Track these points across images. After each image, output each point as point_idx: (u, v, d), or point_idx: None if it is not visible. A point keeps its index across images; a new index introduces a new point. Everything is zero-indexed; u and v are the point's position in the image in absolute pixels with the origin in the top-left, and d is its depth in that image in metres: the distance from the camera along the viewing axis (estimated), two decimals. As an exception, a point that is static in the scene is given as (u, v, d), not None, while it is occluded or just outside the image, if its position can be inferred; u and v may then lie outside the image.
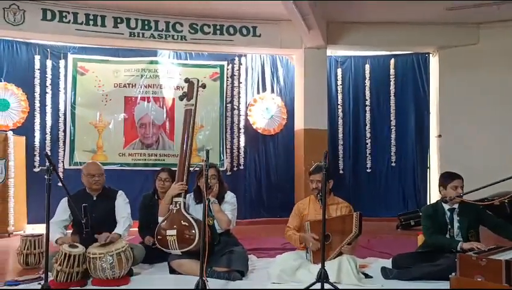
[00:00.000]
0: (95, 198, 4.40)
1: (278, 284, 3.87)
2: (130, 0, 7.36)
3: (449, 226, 4.11)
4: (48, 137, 7.95)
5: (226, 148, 8.59)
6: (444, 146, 8.47)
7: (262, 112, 8.76)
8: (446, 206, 4.16)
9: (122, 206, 4.40)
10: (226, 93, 8.64)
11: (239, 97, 8.70)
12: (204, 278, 3.42)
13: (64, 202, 4.33)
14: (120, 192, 4.51)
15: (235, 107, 8.68)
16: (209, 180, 4.13)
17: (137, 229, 5.10)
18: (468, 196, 4.09)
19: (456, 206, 4.12)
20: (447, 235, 4.11)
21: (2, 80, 7.75)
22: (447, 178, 4.22)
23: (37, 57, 7.96)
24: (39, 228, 6.66)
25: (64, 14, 7.42)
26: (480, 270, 3.44)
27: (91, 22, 7.56)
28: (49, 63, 8.01)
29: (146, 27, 7.80)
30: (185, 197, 4.39)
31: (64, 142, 8.04)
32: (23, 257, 4.65)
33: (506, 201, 6.02)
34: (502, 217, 4.30)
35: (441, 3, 7.47)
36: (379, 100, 9.05)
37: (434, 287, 3.78)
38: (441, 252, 4.07)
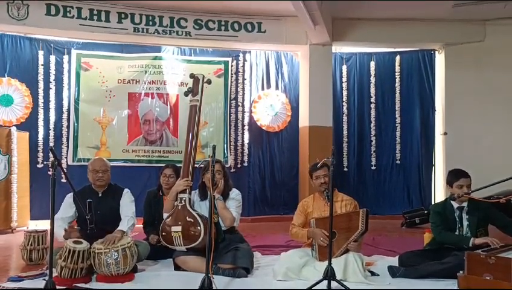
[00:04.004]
0: (100, 195, 4.37)
1: (284, 282, 3.84)
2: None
3: (458, 225, 4.07)
4: (52, 133, 7.94)
5: (230, 145, 8.56)
6: (450, 144, 8.44)
7: (267, 109, 8.72)
8: (455, 204, 4.11)
9: (128, 204, 4.37)
10: (230, 89, 8.60)
11: (243, 94, 8.65)
12: (210, 275, 3.39)
13: (69, 198, 4.31)
14: (126, 190, 4.48)
15: (240, 103, 8.64)
16: (214, 176, 4.10)
17: (141, 225, 5.07)
18: (473, 194, 4.05)
19: (465, 204, 4.08)
20: (456, 233, 4.07)
21: (6, 76, 7.72)
22: (453, 176, 4.16)
23: (41, 53, 7.93)
24: (42, 224, 6.65)
25: (68, 9, 7.41)
26: (488, 268, 3.42)
27: (95, 17, 7.54)
28: (52, 58, 7.99)
29: (150, 23, 7.79)
30: (190, 194, 4.37)
31: (68, 138, 8.02)
32: (27, 252, 4.63)
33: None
34: (508, 216, 4.24)
35: (448, 2, 7.44)
36: (384, 97, 9.00)
37: (441, 285, 3.74)
38: (448, 250, 4.03)
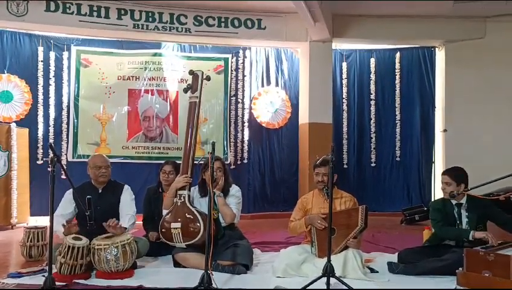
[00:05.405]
0: (100, 191, 4.38)
1: (283, 278, 3.84)
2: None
3: (457, 221, 4.08)
4: (51, 129, 7.94)
5: (229, 141, 8.56)
6: (449, 141, 8.43)
7: (267, 106, 8.71)
8: (454, 201, 4.12)
9: (128, 202, 4.37)
10: (230, 86, 8.59)
11: (243, 90, 8.64)
12: (209, 272, 3.40)
13: (69, 194, 4.31)
14: (126, 186, 4.48)
15: (239, 100, 8.63)
16: (214, 173, 4.10)
17: (141, 222, 5.08)
18: (472, 191, 4.06)
19: (463, 201, 4.09)
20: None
21: (5, 72, 7.71)
22: None
23: (40, 49, 7.92)
24: (42, 220, 6.67)
25: (67, 5, 7.38)
26: (487, 265, 3.44)
27: (95, 14, 7.51)
28: (52, 54, 7.98)
29: (150, 19, 7.76)
30: (189, 190, 4.37)
31: (68, 134, 8.02)
32: (27, 249, 4.63)
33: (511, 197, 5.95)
34: (507, 213, 4.24)
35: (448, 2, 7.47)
36: (384, 94, 8.99)
37: (440, 282, 3.74)
38: (447, 247, 4.05)
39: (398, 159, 8.92)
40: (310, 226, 4.14)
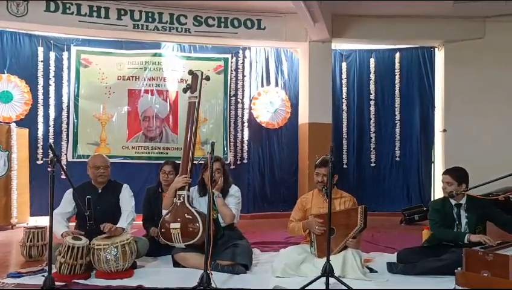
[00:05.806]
0: (100, 191, 4.39)
1: (283, 278, 3.84)
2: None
3: (456, 222, 4.08)
4: (51, 129, 7.95)
5: (229, 141, 8.56)
6: (449, 141, 8.43)
7: (266, 106, 8.72)
8: (453, 201, 4.12)
9: (127, 199, 4.38)
10: (230, 86, 8.60)
11: (243, 90, 8.65)
12: (208, 272, 3.40)
13: (69, 194, 4.32)
14: (125, 185, 4.49)
15: (239, 100, 8.63)
16: (214, 174, 4.10)
17: (141, 222, 5.08)
18: (471, 191, 4.07)
19: (463, 201, 4.09)
20: (454, 230, 4.08)
21: (5, 72, 7.72)
22: None
23: (40, 49, 7.93)
24: (42, 220, 6.66)
25: (67, 5, 7.39)
26: (486, 265, 3.44)
27: (94, 14, 7.52)
28: (52, 55, 7.99)
29: (150, 19, 7.77)
30: (188, 190, 4.37)
31: (68, 134, 8.03)
32: (26, 249, 4.64)
33: (511, 197, 5.95)
34: (506, 213, 4.25)
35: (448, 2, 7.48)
36: (384, 94, 8.99)
37: (440, 282, 3.75)
38: (446, 247, 4.05)
39: (397, 159, 8.92)
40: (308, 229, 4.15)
